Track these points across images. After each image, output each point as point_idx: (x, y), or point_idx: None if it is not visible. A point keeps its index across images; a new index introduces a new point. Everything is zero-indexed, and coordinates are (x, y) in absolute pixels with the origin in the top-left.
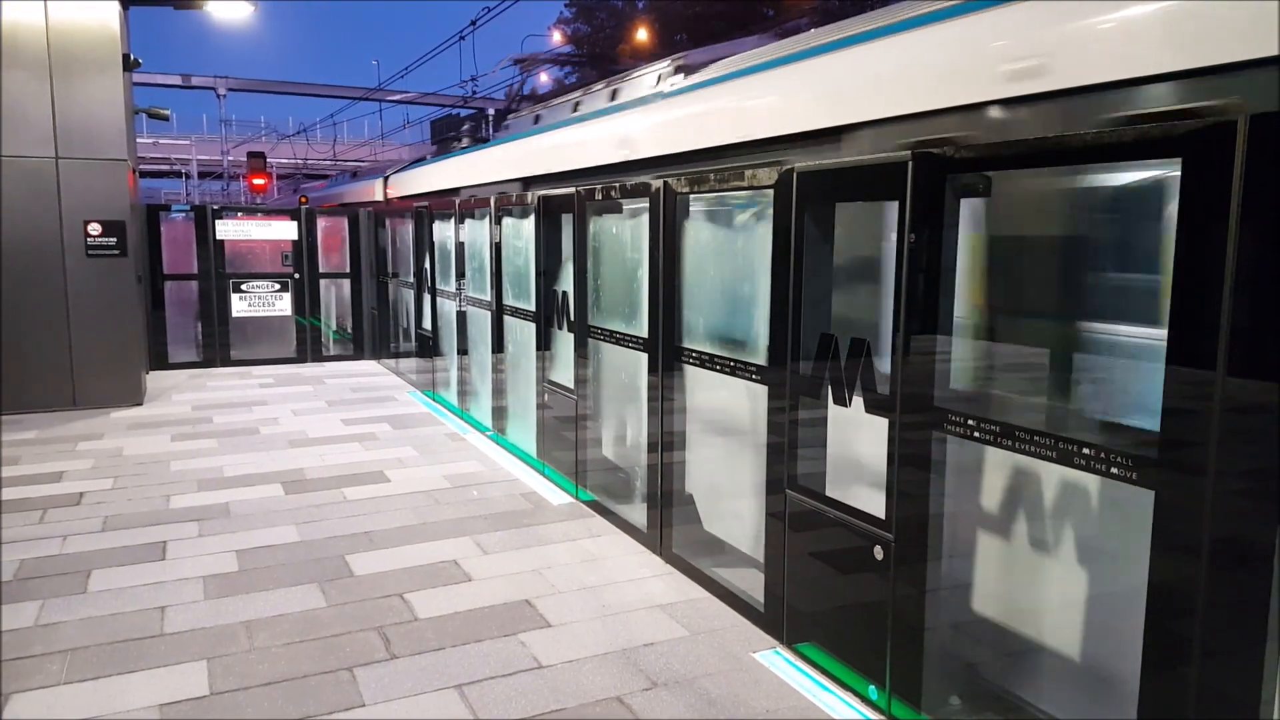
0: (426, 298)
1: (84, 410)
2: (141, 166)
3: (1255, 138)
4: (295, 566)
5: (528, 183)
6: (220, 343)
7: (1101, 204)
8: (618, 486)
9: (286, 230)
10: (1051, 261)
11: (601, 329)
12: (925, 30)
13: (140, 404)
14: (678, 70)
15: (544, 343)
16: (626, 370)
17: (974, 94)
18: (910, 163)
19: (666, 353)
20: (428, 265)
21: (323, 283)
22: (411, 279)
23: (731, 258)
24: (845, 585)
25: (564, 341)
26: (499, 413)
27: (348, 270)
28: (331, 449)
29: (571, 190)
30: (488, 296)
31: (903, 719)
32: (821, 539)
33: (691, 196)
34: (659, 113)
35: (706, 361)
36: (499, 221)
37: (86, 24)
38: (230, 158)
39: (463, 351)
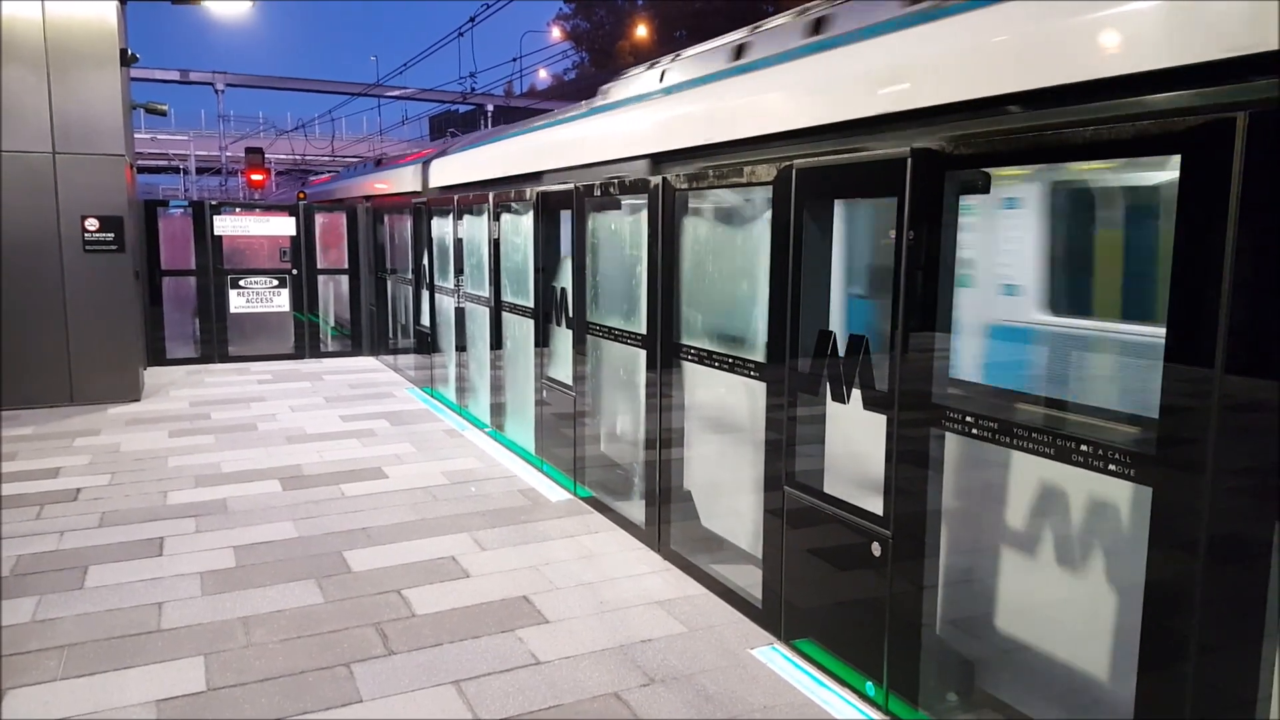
0: (425, 294)
1: (81, 406)
2: (139, 162)
3: (1255, 134)
4: (293, 562)
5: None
6: (218, 339)
7: None
8: (616, 483)
9: (284, 226)
10: None
11: (600, 325)
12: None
13: (138, 400)
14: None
15: (542, 339)
16: (625, 367)
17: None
18: (910, 159)
19: (665, 349)
20: (426, 261)
21: (321, 279)
22: (410, 275)
23: (730, 254)
24: (843, 582)
25: (562, 338)
26: (497, 409)
27: (346, 266)
28: (329, 445)
29: (570, 186)
30: (486, 293)
31: (900, 715)
32: (819, 535)
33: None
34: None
35: (705, 358)
36: (498, 218)
37: (84, 19)
38: (228, 153)
39: (461, 348)
